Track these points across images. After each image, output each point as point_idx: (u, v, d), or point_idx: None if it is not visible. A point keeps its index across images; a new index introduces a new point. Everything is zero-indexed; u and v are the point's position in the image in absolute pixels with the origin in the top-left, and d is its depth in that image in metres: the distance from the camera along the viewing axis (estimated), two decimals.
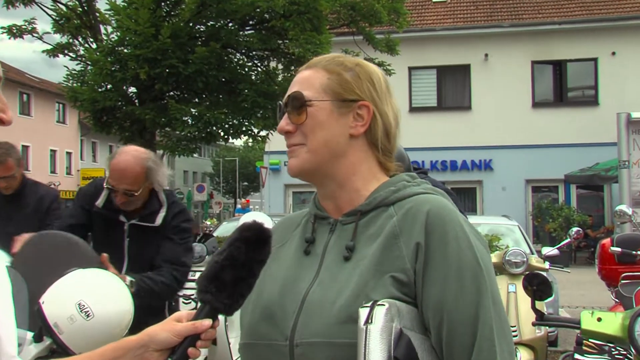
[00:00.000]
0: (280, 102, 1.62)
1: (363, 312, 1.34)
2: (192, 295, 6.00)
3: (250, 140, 11.99)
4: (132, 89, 11.19)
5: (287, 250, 1.65)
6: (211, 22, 11.24)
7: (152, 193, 3.86)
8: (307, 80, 1.57)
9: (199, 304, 1.38)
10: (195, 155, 12.10)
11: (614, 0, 23.01)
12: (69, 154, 47.35)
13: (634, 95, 20.99)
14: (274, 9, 10.33)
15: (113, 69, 10.09)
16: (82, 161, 48.27)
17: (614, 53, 22.28)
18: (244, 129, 11.01)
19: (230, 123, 10.75)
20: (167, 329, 1.33)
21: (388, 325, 1.32)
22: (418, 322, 1.40)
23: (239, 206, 33.67)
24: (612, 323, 3.63)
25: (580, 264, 19.43)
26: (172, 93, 11.05)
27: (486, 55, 22.86)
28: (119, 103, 10.72)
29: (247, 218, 7.58)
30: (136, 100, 11.08)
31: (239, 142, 65.13)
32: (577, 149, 21.58)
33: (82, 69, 11.51)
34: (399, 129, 1.63)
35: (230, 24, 10.96)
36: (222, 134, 10.86)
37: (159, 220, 3.88)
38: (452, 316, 1.38)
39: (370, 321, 1.32)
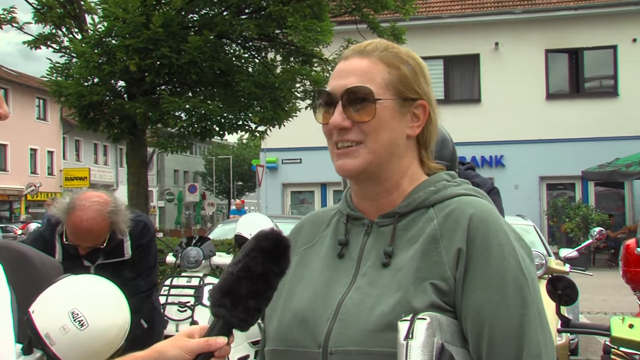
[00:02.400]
0: (324, 89, 1.57)
1: (403, 326, 1.34)
2: (188, 302, 5.98)
3: (247, 135, 11.95)
4: (121, 83, 11.16)
5: (318, 251, 1.65)
6: (204, 11, 11.23)
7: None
8: (368, 72, 1.53)
9: (212, 318, 1.37)
10: (186, 153, 12.09)
11: None
12: (50, 153, 47.37)
13: None
14: None
15: (100, 61, 10.06)
16: (65, 160, 48.27)
17: (635, 40, 22.30)
18: (240, 123, 10.97)
19: (227, 117, 10.72)
20: (178, 345, 1.33)
21: (429, 340, 1.32)
22: (459, 336, 1.40)
23: (233, 207, 33.64)
24: None
25: (599, 267, 19.45)
26: (163, 87, 11.02)
27: (497, 44, 22.88)
28: (107, 98, 10.68)
29: (245, 219, 7.54)
30: (125, 95, 11.05)
31: (232, 139, 65.14)
32: (595, 143, 21.62)
33: (67, 61, 11.47)
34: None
35: (225, 12, 10.94)
36: (217, 129, 10.85)
37: (127, 251, 3.93)
38: (494, 328, 1.37)
39: (410, 336, 1.32)
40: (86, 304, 3.24)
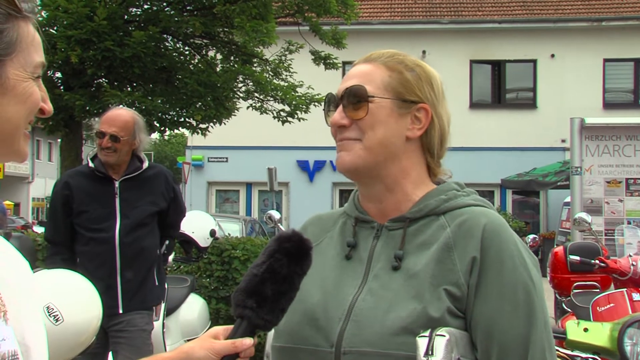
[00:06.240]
0: (332, 93, 1.65)
1: (422, 343, 1.39)
2: None
3: (189, 132, 11.84)
4: (58, 74, 10.87)
5: (324, 251, 1.68)
6: (147, 5, 11.06)
7: (133, 155, 4.34)
8: (368, 74, 1.61)
9: (237, 320, 1.38)
10: None
11: (554, 1, 23.80)
12: None
13: (572, 100, 21.75)
14: None
15: None
16: None
17: (553, 55, 23.03)
18: (182, 120, 10.87)
19: (169, 114, 10.59)
20: (205, 346, 1.34)
21: (448, 356, 1.38)
22: (471, 347, 1.47)
23: None
24: (599, 334, 3.81)
25: None
26: (102, 80, 10.78)
27: (424, 52, 23.19)
28: None
29: (187, 217, 7.47)
30: (61, 87, 10.75)
31: (154, 135, 63.94)
32: (514, 152, 22.21)
33: None
34: (450, 133, 1.71)
35: (167, 8, 10.81)
36: (158, 125, 10.70)
37: (145, 165, 4.38)
38: (505, 336, 1.44)
39: (430, 353, 1.37)
40: (61, 298, 3.19)
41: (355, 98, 1.58)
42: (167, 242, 4.70)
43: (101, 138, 4.16)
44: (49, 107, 1.28)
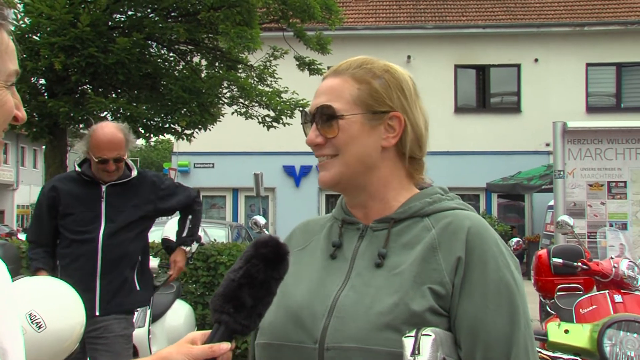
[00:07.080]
0: (305, 110, 1.68)
1: (408, 342, 1.41)
2: None
3: (174, 138, 11.84)
4: (42, 81, 10.84)
5: (311, 252, 1.71)
6: (131, 12, 11.07)
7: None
8: (336, 90, 1.62)
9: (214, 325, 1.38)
10: None
11: (537, 6, 23.96)
12: None
13: (555, 104, 21.90)
14: (201, 0, 10.30)
15: (23, 56, 9.73)
16: None
17: (536, 60, 23.21)
18: (167, 126, 10.87)
19: (155, 120, 10.59)
20: (183, 352, 1.34)
21: (434, 355, 1.40)
22: (455, 347, 1.49)
23: None
24: (579, 335, 3.86)
25: None
26: (86, 87, 10.76)
27: (409, 57, 23.28)
28: (27, 95, 10.33)
29: (173, 224, 7.45)
30: (45, 93, 10.73)
31: (140, 141, 63.73)
32: (499, 156, 22.33)
33: None
34: (428, 133, 1.71)
35: (151, 15, 10.82)
36: (143, 131, 10.69)
37: (134, 173, 4.45)
38: (489, 335, 1.47)
39: (417, 352, 1.39)
40: (44, 305, 3.20)
41: (327, 116, 1.60)
42: (190, 216, 4.90)
43: (104, 164, 4.24)
44: (22, 114, 1.29)
